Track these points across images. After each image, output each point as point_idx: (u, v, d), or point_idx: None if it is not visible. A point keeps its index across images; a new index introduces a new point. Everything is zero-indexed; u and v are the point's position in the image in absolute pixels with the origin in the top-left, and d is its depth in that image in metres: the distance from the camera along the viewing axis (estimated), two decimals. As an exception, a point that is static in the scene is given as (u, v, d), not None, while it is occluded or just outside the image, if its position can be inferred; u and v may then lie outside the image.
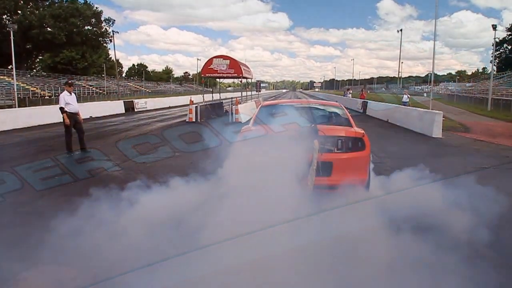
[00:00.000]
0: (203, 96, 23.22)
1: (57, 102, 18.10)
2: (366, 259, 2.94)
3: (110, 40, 60.40)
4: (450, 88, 64.39)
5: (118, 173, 7.12)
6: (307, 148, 4.08)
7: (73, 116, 9.11)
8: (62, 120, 9.26)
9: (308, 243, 2.95)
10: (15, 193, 5.97)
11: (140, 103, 29.41)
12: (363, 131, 4.86)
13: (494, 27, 34.39)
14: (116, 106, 25.84)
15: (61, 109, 8.96)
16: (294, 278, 2.62)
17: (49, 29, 52.79)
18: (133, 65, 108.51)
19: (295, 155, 3.83)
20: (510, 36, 59.00)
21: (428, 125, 13.78)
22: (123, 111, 25.52)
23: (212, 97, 27.33)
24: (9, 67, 40.18)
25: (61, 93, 9.52)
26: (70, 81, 9.97)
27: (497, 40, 39.33)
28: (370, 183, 4.90)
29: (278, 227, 3.00)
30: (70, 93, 9.18)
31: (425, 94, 49.59)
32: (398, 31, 49.85)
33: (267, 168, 3.63)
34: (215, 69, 20.36)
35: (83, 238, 3.53)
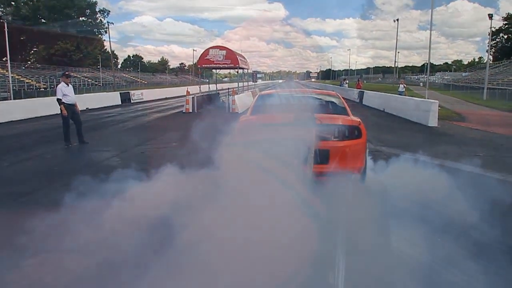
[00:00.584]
0: (200, 87, 23.22)
1: (52, 94, 17.93)
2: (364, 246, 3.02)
3: (105, 31, 59.99)
4: (446, 77, 64.53)
5: (116, 163, 7.16)
6: (305, 137, 4.14)
7: (70, 107, 9.12)
8: (58, 112, 9.27)
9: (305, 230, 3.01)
10: (16, 184, 6.05)
11: (136, 94, 29.33)
12: (359, 120, 4.93)
13: (491, 16, 34.46)
14: (112, 98, 25.79)
15: (59, 100, 8.96)
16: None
17: (43, 20, 52.37)
18: (129, 56, 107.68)
19: (293, 144, 3.88)
20: (506, 26, 58.96)
21: (424, 114, 13.87)
22: (120, 103, 25.46)
23: (209, 88, 27.31)
24: (4, 59, 39.86)
25: (57, 84, 9.53)
26: (67, 73, 9.97)
27: (493, 29, 39.33)
28: (366, 171, 4.99)
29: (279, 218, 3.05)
30: (67, 85, 9.18)
31: (421, 84, 49.73)
32: (394, 21, 49.94)
33: (266, 157, 3.68)
34: (211, 59, 20.33)
35: (83, 228, 3.58)
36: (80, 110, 9.81)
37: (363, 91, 25.66)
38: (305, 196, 3.51)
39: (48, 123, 13.89)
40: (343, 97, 6.36)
